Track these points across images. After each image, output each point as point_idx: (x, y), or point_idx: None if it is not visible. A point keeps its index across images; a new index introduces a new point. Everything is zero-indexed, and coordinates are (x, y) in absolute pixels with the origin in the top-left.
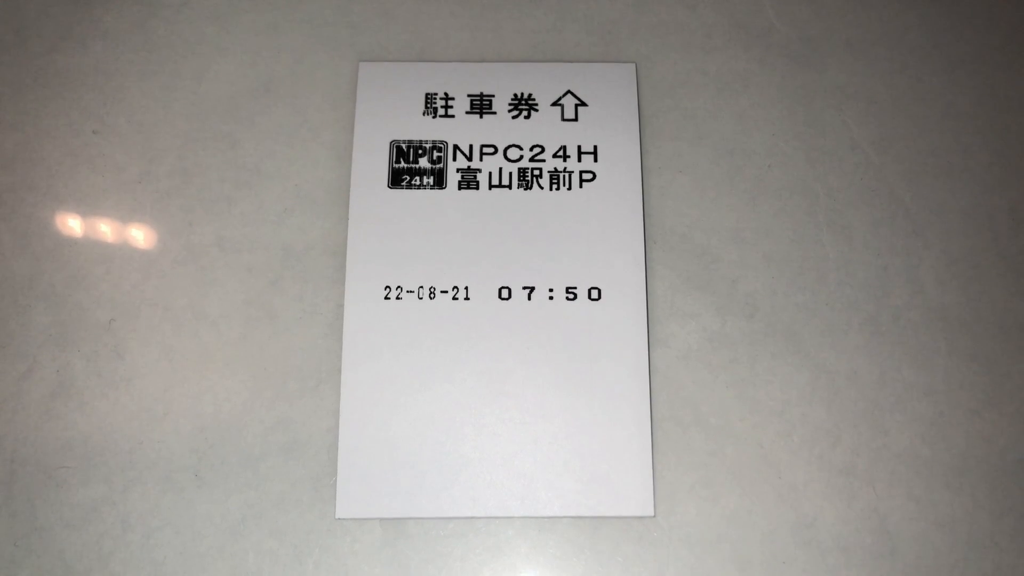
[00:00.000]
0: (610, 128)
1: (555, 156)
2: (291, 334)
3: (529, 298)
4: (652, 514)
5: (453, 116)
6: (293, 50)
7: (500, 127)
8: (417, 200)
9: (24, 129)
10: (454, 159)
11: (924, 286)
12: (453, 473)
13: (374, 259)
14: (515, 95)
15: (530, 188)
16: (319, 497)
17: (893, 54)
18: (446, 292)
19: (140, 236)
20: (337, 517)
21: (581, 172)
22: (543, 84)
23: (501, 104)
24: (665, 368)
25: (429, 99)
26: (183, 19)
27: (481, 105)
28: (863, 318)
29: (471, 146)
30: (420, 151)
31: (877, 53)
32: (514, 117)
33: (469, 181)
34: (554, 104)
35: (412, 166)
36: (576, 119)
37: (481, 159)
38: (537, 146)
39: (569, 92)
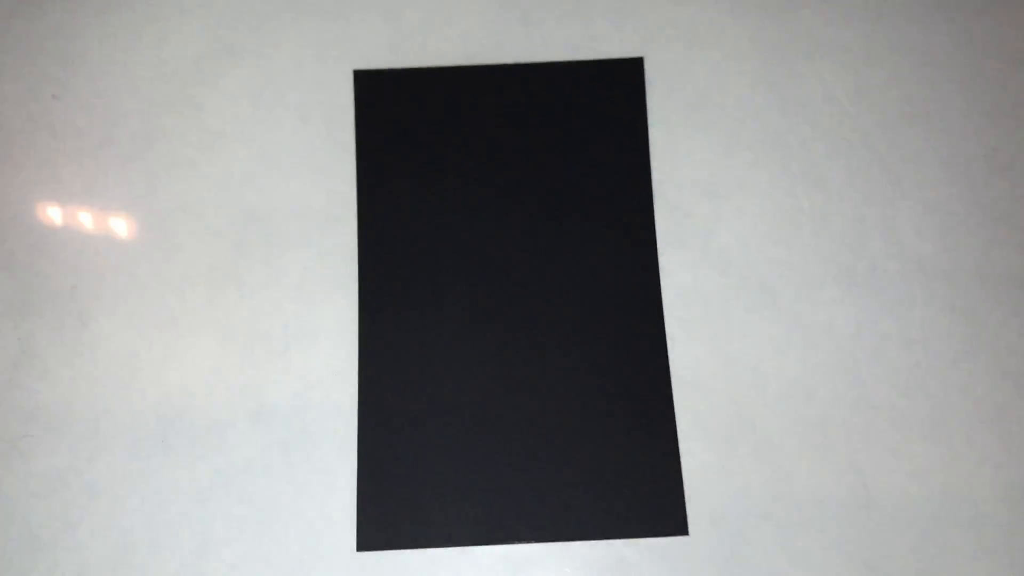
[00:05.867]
0: None
1: None
2: (257, 299)
3: None
4: None
5: None
6: (256, 11)
7: None
8: None
9: None
10: None
11: (901, 236)
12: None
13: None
14: None
15: None
16: (287, 462)
17: (867, 3)
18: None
19: (102, 202)
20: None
21: None
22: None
23: None
24: None
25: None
26: None
27: None
28: (839, 270)
29: None
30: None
31: (851, 2)
32: None
33: None
34: None
35: None
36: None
37: None
38: None
39: None
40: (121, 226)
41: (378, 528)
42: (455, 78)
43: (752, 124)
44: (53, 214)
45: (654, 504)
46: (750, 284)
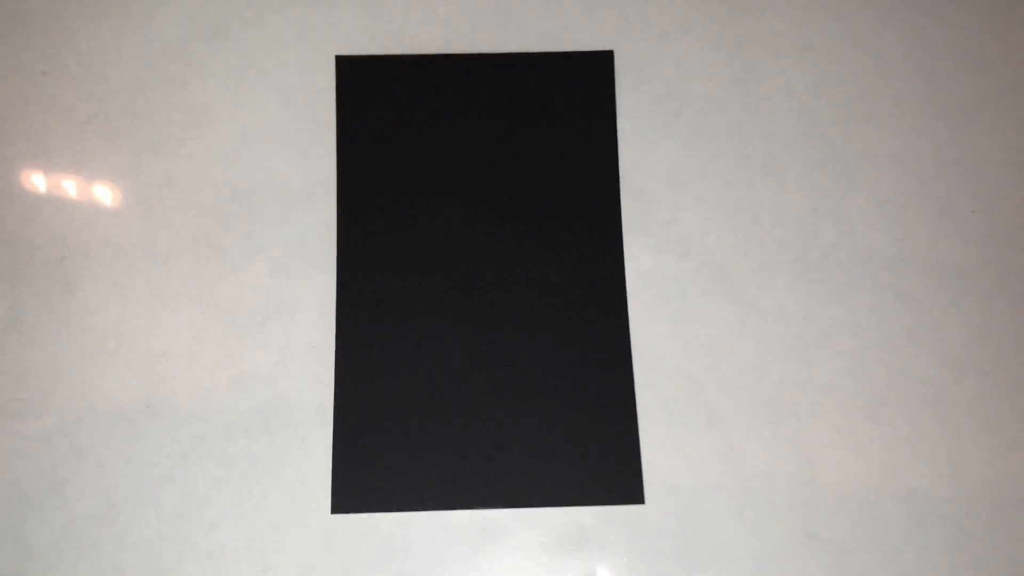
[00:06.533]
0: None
1: None
2: (239, 272)
3: None
4: None
5: None
6: None
7: None
8: None
9: None
10: None
11: (852, 226)
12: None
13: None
14: None
15: None
16: (266, 428)
17: (828, 3)
18: None
19: (90, 175)
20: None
21: None
22: None
23: None
24: None
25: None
26: None
27: None
28: (792, 257)
29: None
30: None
31: (813, 2)
32: None
33: None
34: None
35: None
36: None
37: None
38: None
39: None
40: (108, 199)
41: (352, 492)
42: (432, 66)
43: (716, 117)
44: (42, 187)
45: (613, 474)
46: (709, 269)
